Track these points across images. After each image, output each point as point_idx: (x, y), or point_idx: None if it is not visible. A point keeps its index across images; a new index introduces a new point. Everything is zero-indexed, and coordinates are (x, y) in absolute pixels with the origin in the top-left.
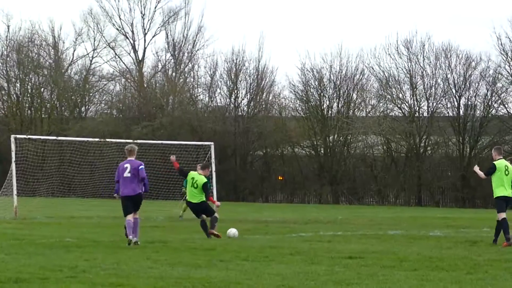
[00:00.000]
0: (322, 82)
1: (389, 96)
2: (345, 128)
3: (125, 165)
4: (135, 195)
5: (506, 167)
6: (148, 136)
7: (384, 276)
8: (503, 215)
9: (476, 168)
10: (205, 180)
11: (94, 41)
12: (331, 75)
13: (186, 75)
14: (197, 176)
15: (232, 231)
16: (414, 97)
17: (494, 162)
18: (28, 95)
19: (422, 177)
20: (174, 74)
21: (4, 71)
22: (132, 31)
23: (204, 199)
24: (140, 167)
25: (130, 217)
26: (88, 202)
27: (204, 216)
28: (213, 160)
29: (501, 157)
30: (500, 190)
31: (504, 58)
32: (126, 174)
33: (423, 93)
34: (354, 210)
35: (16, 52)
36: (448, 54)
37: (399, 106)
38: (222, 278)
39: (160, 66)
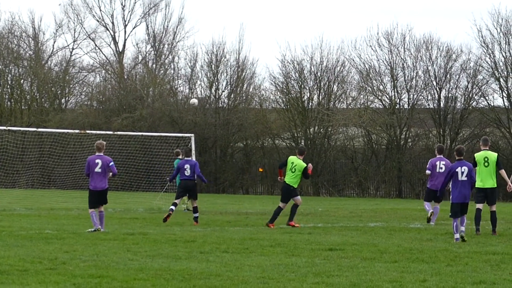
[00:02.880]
0: (303, 74)
1: (370, 88)
2: (325, 120)
3: (96, 160)
4: (105, 189)
5: (486, 159)
6: (129, 128)
7: (365, 268)
8: (478, 205)
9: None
10: (304, 165)
11: (74, 32)
12: (312, 67)
13: (166, 66)
14: (296, 161)
15: (193, 101)
16: (395, 89)
17: (475, 155)
18: (8, 86)
19: (402, 169)
20: (154, 65)
21: None
22: (113, 23)
23: (296, 186)
24: (111, 163)
25: (96, 210)
26: (68, 194)
27: (284, 204)
28: (193, 152)
29: (486, 148)
30: (476, 182)
31: (485, 51)
32: (97, 169)
33: (403, 85)
34: (334, 202)
35: None
36: (429, 46)
37: (379, 98)
38: (202, 270)
39: (140, 58)
